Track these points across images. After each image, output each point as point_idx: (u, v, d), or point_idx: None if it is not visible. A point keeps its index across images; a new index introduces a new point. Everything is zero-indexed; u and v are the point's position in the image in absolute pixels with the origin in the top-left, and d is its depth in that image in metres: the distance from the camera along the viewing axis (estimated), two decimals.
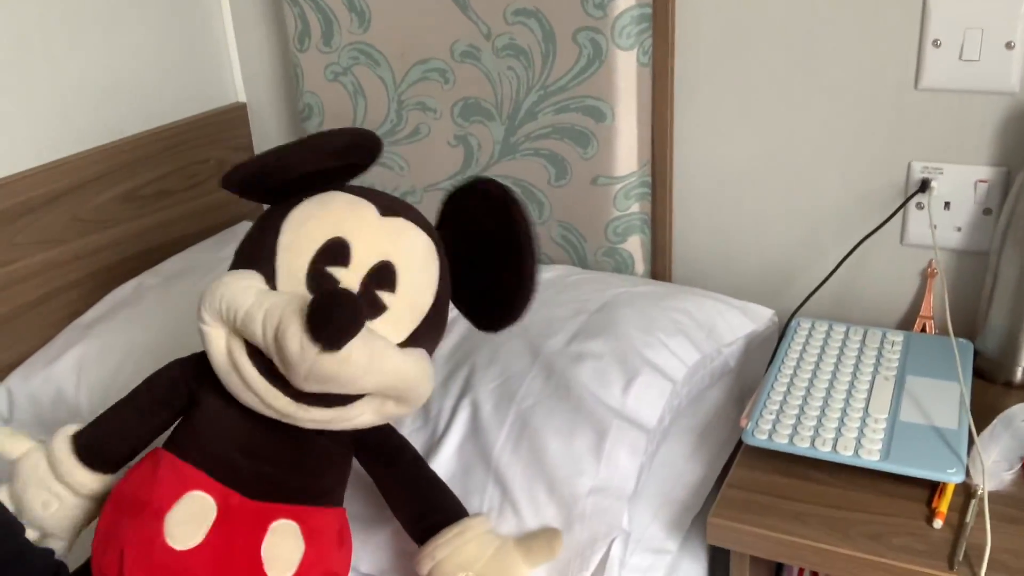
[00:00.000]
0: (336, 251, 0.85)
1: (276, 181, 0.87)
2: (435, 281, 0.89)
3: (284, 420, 0.85)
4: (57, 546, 0.93)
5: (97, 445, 0.92)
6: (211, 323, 0.84)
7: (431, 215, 0.95)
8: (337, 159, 0.88)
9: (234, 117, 1.59)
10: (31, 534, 0.90)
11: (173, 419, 0.91)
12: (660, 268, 1.35)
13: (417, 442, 1.02)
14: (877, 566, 0.86)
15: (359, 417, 0.86)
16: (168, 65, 1.48)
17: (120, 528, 0.84)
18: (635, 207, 1.30)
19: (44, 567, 0.86)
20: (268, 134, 1.63)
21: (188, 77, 1.52)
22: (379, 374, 0.82)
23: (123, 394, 1.15)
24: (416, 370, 0.86)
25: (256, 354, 0.83)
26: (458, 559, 0.88)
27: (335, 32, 1.39)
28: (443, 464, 0.99)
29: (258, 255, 0.87)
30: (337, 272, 0.84)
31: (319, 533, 0.87)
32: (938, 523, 0.89)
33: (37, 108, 1.30)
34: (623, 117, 1.24)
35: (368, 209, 0.88)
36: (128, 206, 1.42)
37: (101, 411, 1.15)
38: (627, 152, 1.26)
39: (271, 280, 0.84)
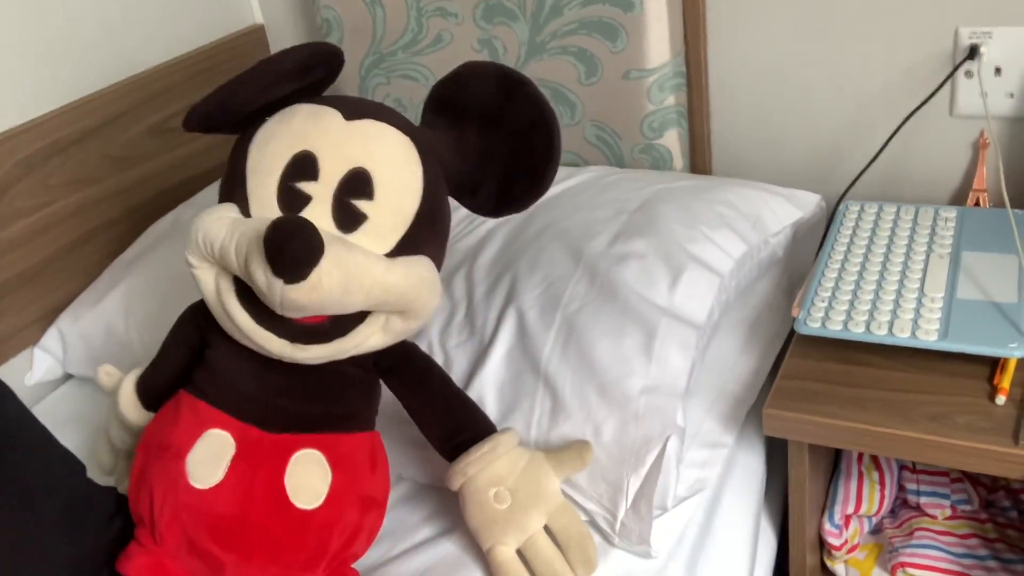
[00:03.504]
0: (303, 165, 0.81)
1: (237, 115, 0.85)
2: (419, 181, 0.84)
3: (284, 360, 0.84)
4: (121, 485, 0.97)
5: (149, 387, 0.96)
6: (197, 264, 0.82)
7: None
8: (294, 80, 0.84)
9: (253, 40, 1.56)
10: (93, 474, 0.93)
11: (196, 360, 0.91)
12: (700, 161, 1.32)
13: (464, 353, 1.01)
14: (941, 446, 0.85)
15: (366, 342, 0.84)
16: None
17: (149, 471, 0.85)
18: (670, 99, 1.26)
19: (108, 504, 0.88)
20: None
21: (203, 2, 1.49)
22: (361, 292, 0.78)
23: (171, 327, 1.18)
24: (407, 279, 0.82)
25: (245, 296, 0.81)
26: (489, 474, 0.87)
27: None
28: (492, 373, 0.99)
29: (231, 184, 0.85)
30: (307, 187, 0.81)
31: (347, 459, 0.86)
32: (1001, 399, 0.87)
33: (56, 48, 1.28)
34: (652, 5, 1.19)
35: (332, 116, 0.84)
36: (158, 139, 1.41)
37: (151, 345, 1.18)
38: (659, 42, 1.22)
39: (244, 207, 0.82)
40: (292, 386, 0.87)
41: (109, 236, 1.36)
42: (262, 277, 0.76)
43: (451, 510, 0.94)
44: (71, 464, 0.87)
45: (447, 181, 0.89)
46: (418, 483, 1.02)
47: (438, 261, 0.88)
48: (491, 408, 0.97)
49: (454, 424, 0.91)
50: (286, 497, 0.83)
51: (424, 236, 0.85)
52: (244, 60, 1.54)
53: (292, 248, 0.74)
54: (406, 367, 0.92)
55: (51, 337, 1.28)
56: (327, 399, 0.88)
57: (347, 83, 1.47)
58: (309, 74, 0.85)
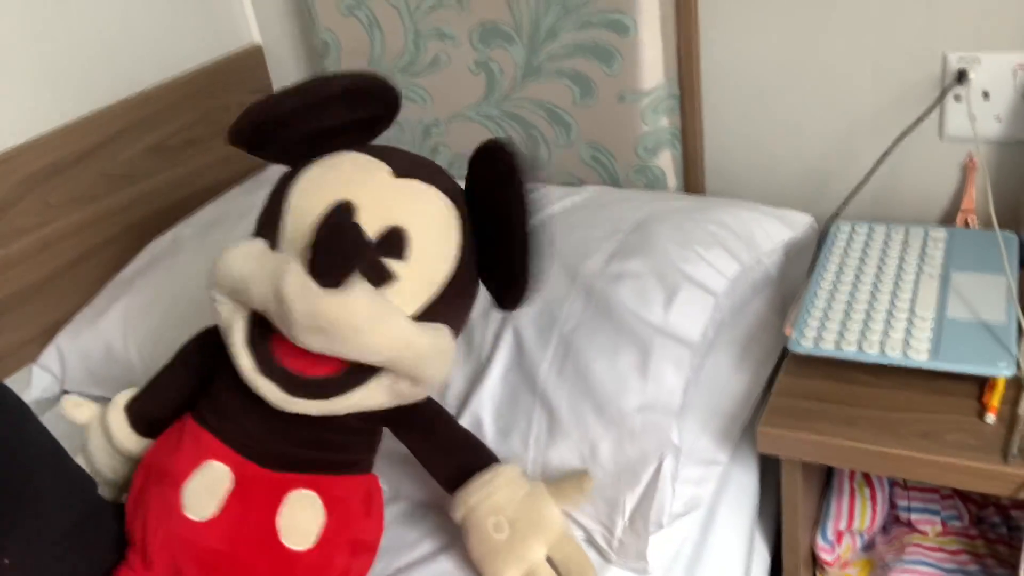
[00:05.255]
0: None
1: (278, 135, 0.83)
2: (454, 250, 0.84)
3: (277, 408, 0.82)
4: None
5: (146, 412, 0.94)
6: (220, 299, 0.83)
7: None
8: (341, 105, 0.83)
9: (251, 60, 1.58)
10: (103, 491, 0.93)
11: (201, 386, 0.91)
12: (693, 182, 1.34)
13: (462, 372, 1.03)
14: (931, 464, 0.87)
15: (365, 401, 0.83)
16: (180, 12, 1.47)
17: (147, 494, 0.84)
18: (664, 121, 1.28)
19: (119, 518, 0.89)
20: (286, 74, 1.61)
21: (201, 21, 1.50)
22: (386, 337, 0.78)
23: (171, 345, 1.18)
24: (427, 343, 0.81)
25: (256, 338, 0.81)
26: (490, 503, 0.88)
27: None
28: (490, 392, 1.00)
29: (267, 221, 0.85)
30: None
31: (341, 502, 0.85)
32: (990, 418, 0.89)
33: (55, 67, 1.29)
34: (646, 29, 1.21)
35: (380, 170, 0.83)
36: (156, 158, 1.42)
37: (151, 363, 1.18)
38: (652, 65, 1.24)
39: (274, 245, 0.82)
40: (296, 431, 0.86)
41: (108, 254, 1.37)
42: (295, 284, 0.75)
43: (449, 527, 0.95)
44: (83, 480, 0.87)
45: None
46: (415, 501, 1.03)
47: (457, 331, 0.87)
48: (488, 427, 0.98)
49: (460, 465, 0.91)
50: (276, 537, 0.82)
51: (448, 305, 0.84)
52: (242, 79, 1.55)
53: (341, 243, 0.73)
54: (412, 418, 0.91)
55: (50, 355, 1.29)
56: (330, 448, 0.87)
57: None
58: (358, 104, 0.84)
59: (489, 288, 0.89)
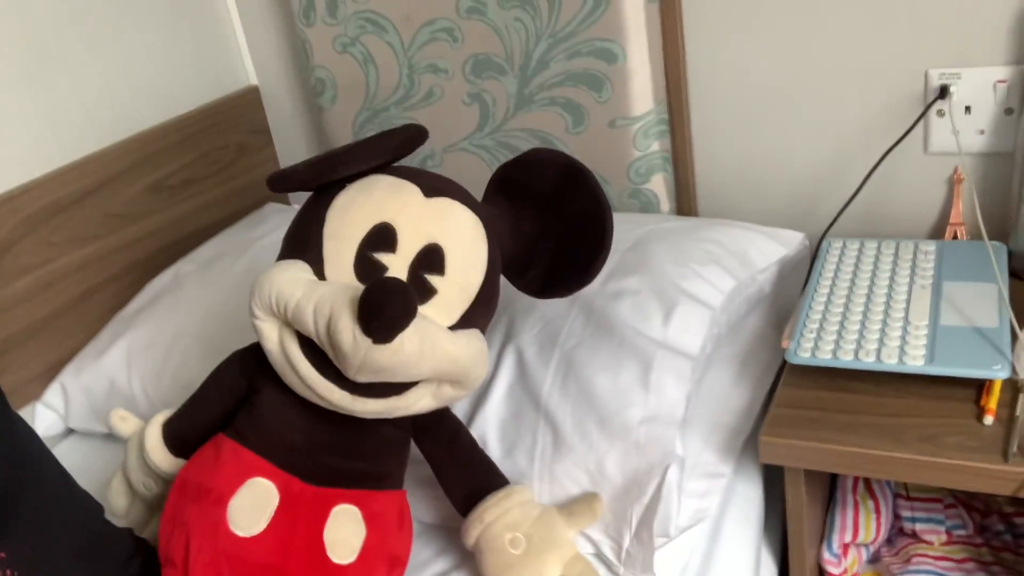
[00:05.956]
0: (382, 237, 0.84)
1: (326, 182, 0.88)
2: (484, 260, 0.88)
3: (340, 412, 0.86)
4: (136, 528, 0.97)
5: (180, 432, 0.96)
6: (263, 317, 0.84)
7: (452, 177, 0.94)
8: (392, 157, 0.89)
9: (248, 100, 1.61)
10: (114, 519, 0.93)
11: (236, 407, 0.92)
12: (685, 204, 1.36)
13: None
14: (933, 466, 0.88)
15: (416, 404, 0.87)
16: (178, 55, 1.50)
17: (185, 514, 0.85)
18: (655, 146, 1.30)
19: (126, 545, 0.89)
20: (283, 113, 1.64)
21: (199, 65, 1.53)
22: (432, 360, 0.81)
23: (174, 380, 1.20)
24: (469, 352, 0.85)
25: (309, 347, 0.83)
26: (506, 520, 0.90)
27: (339, 2, 1.39)
28: (493, 410, 1.01)
29: (304, 244, 0.87)
30: (384, 258, 0.84)
31: (379, 517, 0.88)
32: (988, 420, 0.90)
33: (58, 109, 1.32)
34: (635, 56, 1.24)
35: (412, 191, 0.87)
36: (157, 197, 1.44)
37: (155, 398, 1.19)
38: (642, 91, 1.27)
39: (319, 269, 0.84)
40: (336, 441, 0.88)
41: (110, 292, 1.38)
42: (348, 338, 0.77)
43: (460, 546, 0.95)
44: (89, 504, 0.88)
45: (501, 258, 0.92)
46: (425, 523, 1.03)
47: (484, 331, 0.91)
48: (493, 444, 0.99)
49: (477, 484, 0.93)
50: (324, 551, 0.84)
51: (480, 312, 0.89)
52: (240, 119, 1.58)
53: (392, 307, 0.76)
54: (439, 428, 0.95)
55: (53, 392, 1.29)
56: (367, 458, 0.90)
57: (340, 139, 1.51)
58: (403, 151, 0.90)
59: (528, 282, 0.95)
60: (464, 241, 0.87)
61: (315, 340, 0.81)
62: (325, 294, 0.80)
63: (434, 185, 0.89)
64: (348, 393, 0.83)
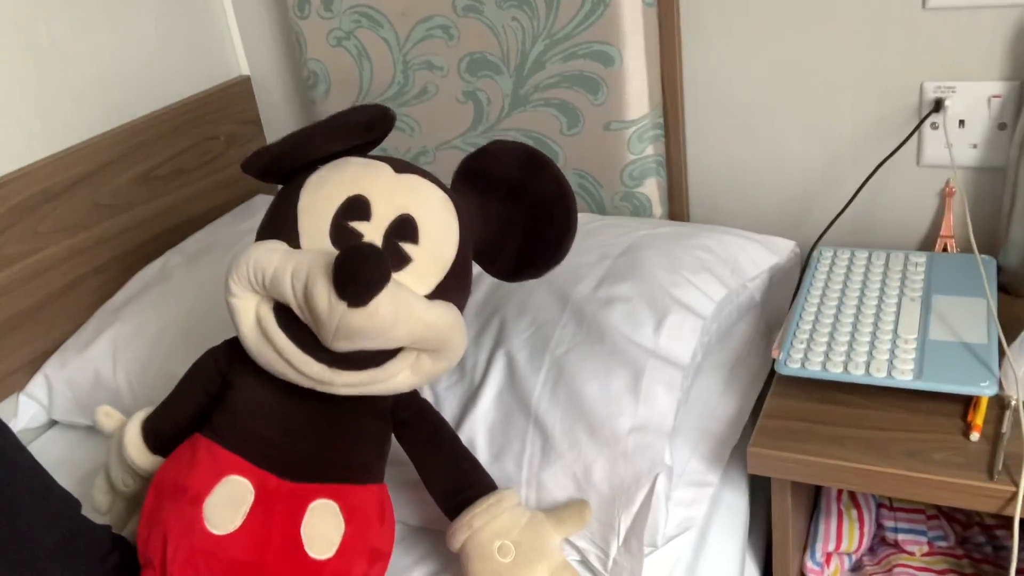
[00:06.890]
0: (356, 207, 0.86)
1: (296, 164, 0.89)
2: (456, 234, 0.90)
3: (319, 388, 0.86)
4: (117, 526, 0.96)
5: (158, 430, 0.96)
6: (239, 294, 0.85)
7: (445, 175, 0.96)
8: (359, 136, 0.89)
9: (239, 90, 1.59)
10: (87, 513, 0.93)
11: (212, 404, 0.92)
12: (677, 209, 1.36)
13: (455, 395, 1.03)
14: (918, 482, 0.88)
15: (396, 377, 0.87)
16: (170, 44, 1.48)
17: (162, 513, 0.85)
18: (649, 150, 1.30)
19: (104, 542, 0.89)
20: (274, 105, 1.63)
21: (190, 54, 1.52)
22: (407, 324, 0.82)
23: (160, 372, 1.19)
24: (445, 320, 0.86)
25: (286, 322, 0.84)
26: (494, 527, 0.89)
27: None
28: (483, 414, 1.01)
29: (279, 223, 0.87)
30: (359, 226, 0.85)
31: (359, 511, 0.88)
32: (975, 436, 0.91)
33: (47, 98, 1.30)
34: (631, 60, 1.24)
35: (383, 168, 0.89)
36: (146, 187, 1.43)
37: (140, 391, 1.19)
38: (638, 95, 1.26)
39: (295, 244, 0.85)
40: (311, 431, 0.88)
41: (97, 282, 1.36)
42: (324, 302, 0.79)
43: (443, 551, 0.95)
44: (67, 500, 0.87)
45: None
46: (410, 525, 1.03)
47: (461, 310, 0.91)
48: (482, 449, 0.99)
49: (460, 481, 0.93)
50: (301, 546, 0.84)
51: (454, 286, 0.89)
52: (231, 110, 1.57)
53: (366, 270, 0.77)
54: (420, 422, 0.95)
55: (37, 383, 1.28)
56: (344, 448, 0.90)
57: None
58: (371, 132, 0.91)
59: (500, 266, 0.96)
60: (435, 213, 0.89)
61: (293, 308, 0.82)
62: (302, 260, 0.82)
63: (404, 166, 0.91)
64: (326, 366, 0.84)
